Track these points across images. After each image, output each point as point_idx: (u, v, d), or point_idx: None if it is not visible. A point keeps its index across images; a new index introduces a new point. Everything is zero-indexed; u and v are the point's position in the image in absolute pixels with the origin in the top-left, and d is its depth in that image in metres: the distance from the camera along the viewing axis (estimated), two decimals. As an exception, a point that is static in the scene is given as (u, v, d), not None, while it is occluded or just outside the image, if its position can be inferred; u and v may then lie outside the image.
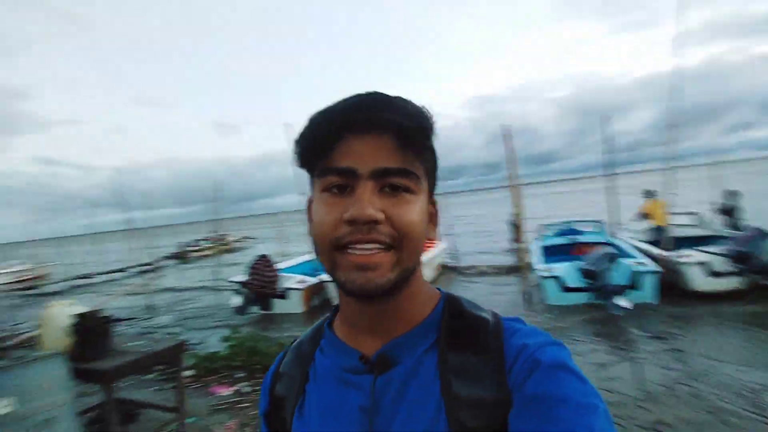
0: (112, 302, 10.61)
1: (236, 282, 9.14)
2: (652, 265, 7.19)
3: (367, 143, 0.50)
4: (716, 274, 6.90)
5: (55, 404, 2.81)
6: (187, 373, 5.12)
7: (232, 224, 36.60)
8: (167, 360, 3.63)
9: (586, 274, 7.15)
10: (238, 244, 30.88)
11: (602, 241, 9.86)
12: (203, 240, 27.46)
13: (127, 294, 12.53)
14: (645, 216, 10.34)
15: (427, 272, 10.77)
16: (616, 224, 11.02)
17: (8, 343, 3.96)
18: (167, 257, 23.94)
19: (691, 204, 11.82)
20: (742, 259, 6.72)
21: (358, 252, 0.49)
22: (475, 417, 0.49)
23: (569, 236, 10.90)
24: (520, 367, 0.49)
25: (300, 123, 0.57)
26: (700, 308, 6.57)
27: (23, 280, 18.42)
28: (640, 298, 7.02)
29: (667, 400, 3.86)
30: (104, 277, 19.08)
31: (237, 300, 8.72)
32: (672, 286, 7.39)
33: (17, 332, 7.28)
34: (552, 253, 10.20)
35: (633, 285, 7.08)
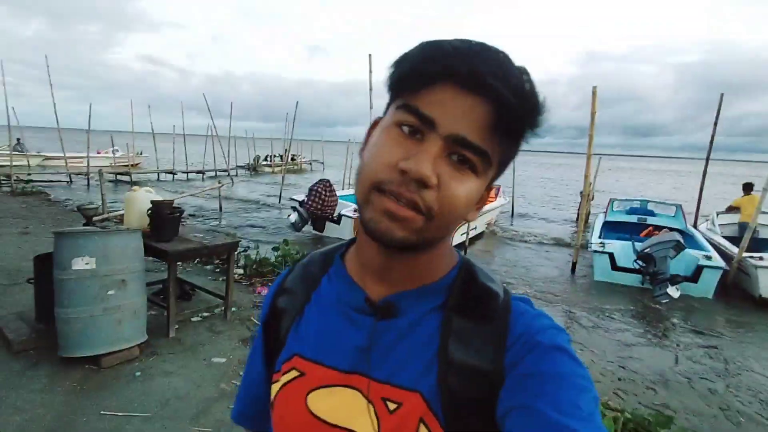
0: (187, 199, 11.74)
1: (296, 200, 9.73)
2: (718, 261, 6.72)
3: (462, 101, 0.45)
4: (789, 284, 6.34)
5: (129, 270, 3.36)
6: (239, 271, 5.77)
7: (306, 146, 37.85)
8: (222, 253, 4.14)
9: (642, 256, 6.85)
10: (307, 166, 32.13)
11: (675, 227, 9.23)
12: (276, 156, 28.89)
13: (202, 194, 13.76)
14: (733, 209, 9.50)
15: (478, 225, 10.75)
16: (702, 213, 10.23)
17: (98, 215, 4.64)
18: (241, 167, 25.59)
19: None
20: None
21: (395, 201, 0.47)
22: (464, 383, 0.49)
23: (639, 215, 10.29)
24: (521, 347, 0.49)
25: (387, 56, 0.52)
26: (759, 315, 6.14)
27: (119, 165, 20.68)
28: (696, 291, 6.69)
29: (681, 388, 3.84)
30: (184, 176, 20.91)
31: (294, 217, 9.33)
32: (737, 287, 6.95)
33: (107, 209, 8.41)
34: (617, 229, 9.75)
35: (693, 278, 6.72)
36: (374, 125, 0.55)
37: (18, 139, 18.36)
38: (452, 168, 0.47)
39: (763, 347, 5.07)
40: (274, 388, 0.59)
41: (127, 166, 20.43)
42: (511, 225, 13.04)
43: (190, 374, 3.25)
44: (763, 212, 9.59)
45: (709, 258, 6.81)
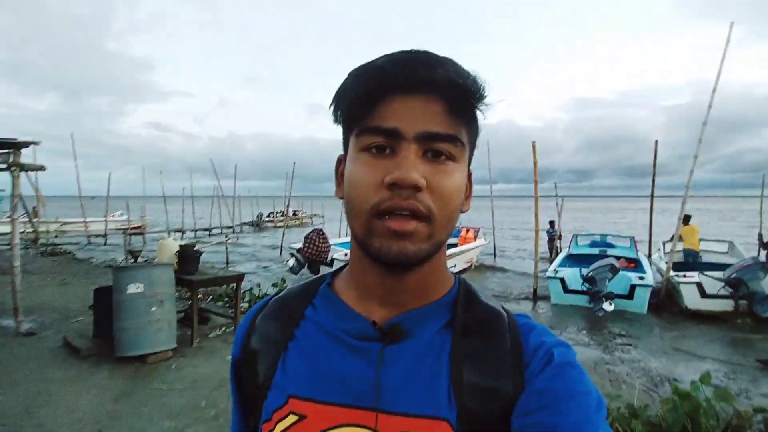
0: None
1: (294, 248, 11.08)
2: (648, 281, 7.92)
3: (415, 103, 0.47)
4: (708, 296, 7.50)
5: (165, 293, 4.65)
6: (244, 305, 7.00)
7: (308, 202, 39.92)
8: (232, 282, 5.46)
9: (587, 279, 8.05)
10: (308, 220, 33.75)
11: (629, 256, 10.51)
12: (278, 213, 30.61)
13: (211, 246, 15.14)
14: (679, 239, 10.78)
15: (459, 263, 11.99)
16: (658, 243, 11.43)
17: (140, 257, 6.01)
18: (246, 224, 27.18)
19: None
20: (733, 285, 7.27)
21: (397, 218, 0.46)
22: (487, 406, 0.48)
23: (600, 248, 11.54)
24: (538, 362, 0.49)
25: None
26: (684, 324, 7.27)
27: (126, 228, 22.29)
28: (632, 307, 7.84)
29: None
30: (193, 234, 22.42)
31: (292, 262, 10.64)
32: (674, 303, 8.08)
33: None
34: (580, 261, 10.95)
35: (629, 295, 7.89)
36: (339, 165, 0.56)
37: (33, 208, 20.09)
38: (432, 164, 0.48)
39: (673, 343, 6.20)
40: None
41: (138, 227, 22.01)
42: (493, 262, 14.29)
43: (211, 365, 4.46)
44: (706, 239, 10.95)
45: (642, 278, 8.01)
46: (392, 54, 0.49)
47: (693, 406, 3.17)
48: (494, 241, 15.66)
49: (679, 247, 10.65)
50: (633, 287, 7.86)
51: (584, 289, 8.10)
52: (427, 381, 0.49)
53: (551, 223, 14.00)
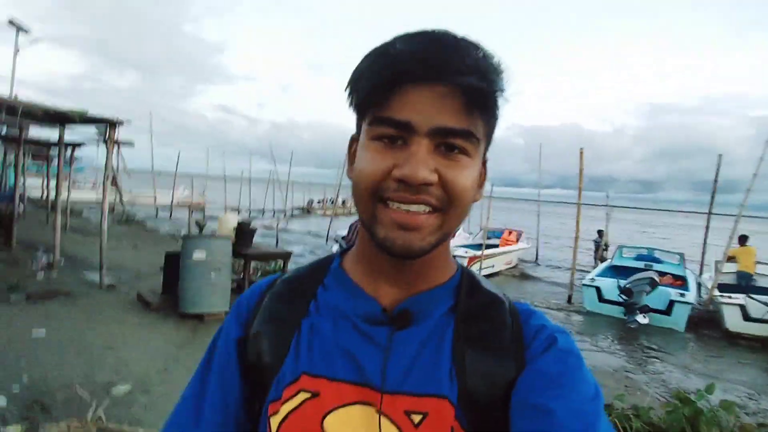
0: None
1: (340, 235, 11.72)
2: (689, 299, 7.78)
3: (430, 95, 0.46)
4: (751, 319, 7.28)
5: (223, 262, 5.31)
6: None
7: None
8: (280, 258, 6.07)
9: (624, 290, 8.03)
10: (355, 210, 34.72)
11: (677, 273, 10.25)
12: (327, 201, 31.71)
13: (263, 227, 16.17)
14: (731, 259, 10.31)
15: (497, 264, 12.14)
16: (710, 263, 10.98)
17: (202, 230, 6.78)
18: (297, 208, 28.43)
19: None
20: (780, 311, 7.03)
21: (403, 208, 0.47)
22: (487, 388, 0.49)
23: (646, 261, 11.27)
24: (540, 343, 0.51)
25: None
26: (721, 345, 7.13)
27: (190, 204, 24.03)
28: (668, 323, 7.74)
29: (602, 375, 5.13)
30: (248, 214, 23.80)
31: (336, 248, 11.28)
32: (715, 324, 7.87)
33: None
34: (622, 273, 10.77)
35: (666, 311, 7.80)
36: (352, 144, 0.55)
37: (113, 178, 22.20)
38: (445, 159, 0.47)
39: (704, 362, 6.16)
40: (274, 421, 0.51)
41: (198, 203, 23.72)
42: (534, 270, 14.25)
43: (256, 329, 5.08)
44: (764, 263, 10.44)
45: (682, 295, 7.88)
46: (410, 37, 0.47)
47: (694, 411, 3.33)
48: (537, 248, 15.56)
49: (734, 268, 10.23)
50: (672, 303, 7.75)
51: (620, 300, 8.08)
52: (431, 363, 0.50)
53: (599, 232, 13.75)
